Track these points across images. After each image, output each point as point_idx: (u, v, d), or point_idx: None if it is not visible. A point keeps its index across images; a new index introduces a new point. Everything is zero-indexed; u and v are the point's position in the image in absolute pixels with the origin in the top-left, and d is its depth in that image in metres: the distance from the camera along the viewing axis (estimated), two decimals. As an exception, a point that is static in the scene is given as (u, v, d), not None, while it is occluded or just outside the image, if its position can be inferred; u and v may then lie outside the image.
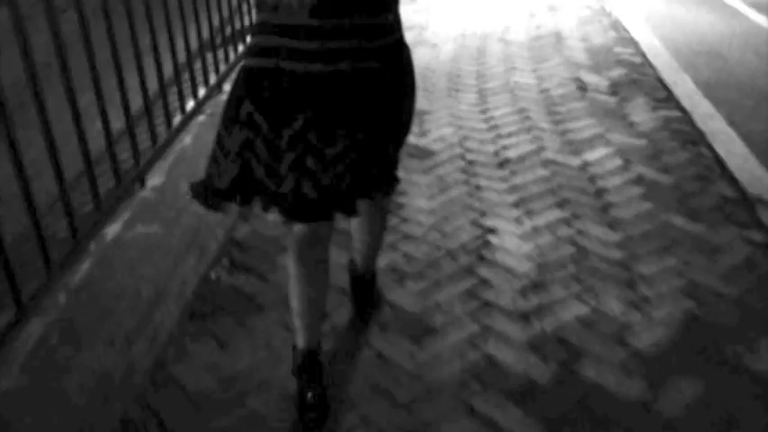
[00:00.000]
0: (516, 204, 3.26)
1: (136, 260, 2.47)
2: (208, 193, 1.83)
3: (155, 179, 3.00)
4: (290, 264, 1.97)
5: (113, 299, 2.27)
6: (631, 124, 4.04)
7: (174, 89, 3.22)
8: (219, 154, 1.79)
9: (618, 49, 5.38)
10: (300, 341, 2.11)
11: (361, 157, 1.73)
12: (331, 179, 1.71)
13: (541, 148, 3.78)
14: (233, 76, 3.51)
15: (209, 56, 3.70)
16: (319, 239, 1.90)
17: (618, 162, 3.62)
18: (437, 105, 4.35)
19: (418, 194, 3.35)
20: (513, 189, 3.39)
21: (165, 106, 3.02)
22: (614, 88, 4.56)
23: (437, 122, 4.12)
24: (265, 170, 1.73)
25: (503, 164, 3.62)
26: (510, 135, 3.94)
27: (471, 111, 4.25)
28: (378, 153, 1.77)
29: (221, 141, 1.79)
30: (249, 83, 1.74)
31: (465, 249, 2.94)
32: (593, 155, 3.70)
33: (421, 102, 4.23)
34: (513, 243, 2.98)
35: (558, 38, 5.76)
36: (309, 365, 2.11)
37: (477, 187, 3.41)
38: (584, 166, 3.59)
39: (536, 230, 3.06)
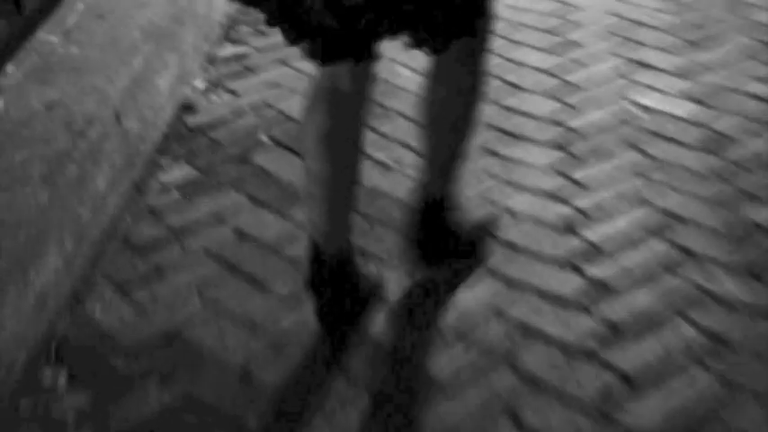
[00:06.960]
0: None
1: None
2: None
3: None
4: (308, 129, 1.54)
5: None
6: None
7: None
8: None
9: None
10: (323, 243, 1.59)
11: None
12: None
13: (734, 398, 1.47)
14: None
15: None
16: (352, 93, 1.50)
17: None
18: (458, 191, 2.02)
19: None
20: None
21: None
22: None
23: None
24: None
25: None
26: (637, 336, 1.61)
27: (537, 214, 1.86)
28: None
29: None
30: None
31: None
32: None
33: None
34: None
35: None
36: (338, 276, 1.60)
37: None
38: None
39: None
